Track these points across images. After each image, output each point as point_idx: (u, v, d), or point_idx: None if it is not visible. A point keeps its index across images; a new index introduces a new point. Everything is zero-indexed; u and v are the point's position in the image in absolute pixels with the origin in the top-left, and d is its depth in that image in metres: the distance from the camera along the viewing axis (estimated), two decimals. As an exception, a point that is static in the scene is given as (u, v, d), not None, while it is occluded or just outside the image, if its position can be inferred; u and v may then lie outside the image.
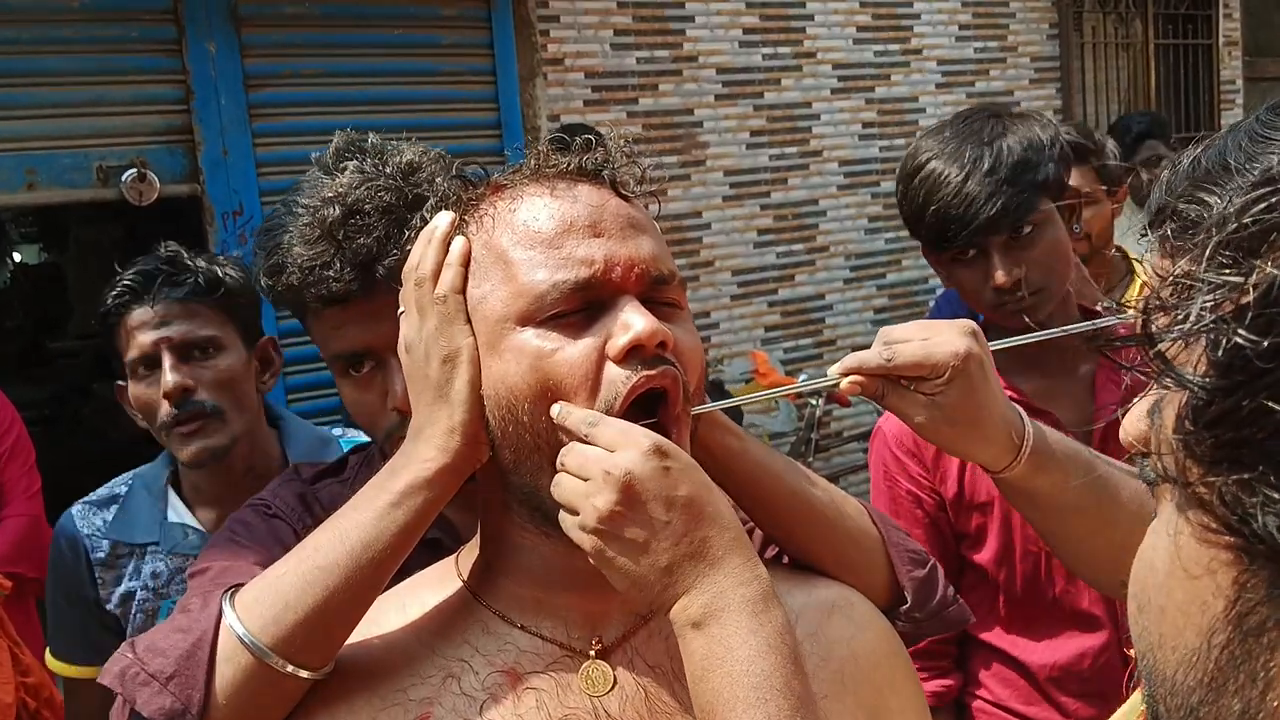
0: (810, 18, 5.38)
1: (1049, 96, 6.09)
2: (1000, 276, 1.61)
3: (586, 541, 0.84)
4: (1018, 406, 1.12)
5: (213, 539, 1.25)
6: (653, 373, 0.87)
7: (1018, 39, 6.02)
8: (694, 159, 5.13)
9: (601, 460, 0.82)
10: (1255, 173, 0.49)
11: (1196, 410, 0.45)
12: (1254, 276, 0.44)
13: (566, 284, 0.87)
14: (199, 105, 3.80)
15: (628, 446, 0.82)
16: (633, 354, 0.87)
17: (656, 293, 0.91)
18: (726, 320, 5.31)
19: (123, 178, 3.68)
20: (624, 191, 0.95)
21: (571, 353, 0.87)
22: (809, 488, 1.06)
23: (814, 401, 5.05)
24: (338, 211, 1.18)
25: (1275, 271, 0.44)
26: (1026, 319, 1.61)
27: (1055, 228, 1.65)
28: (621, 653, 0.93)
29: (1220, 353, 0.44)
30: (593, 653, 0.92)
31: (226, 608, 0.92)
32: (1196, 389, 0.45)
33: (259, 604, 0.90)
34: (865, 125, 5.58)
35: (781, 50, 5.31)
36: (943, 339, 1.04)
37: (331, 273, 1.18)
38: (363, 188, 1.20)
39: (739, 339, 5.33)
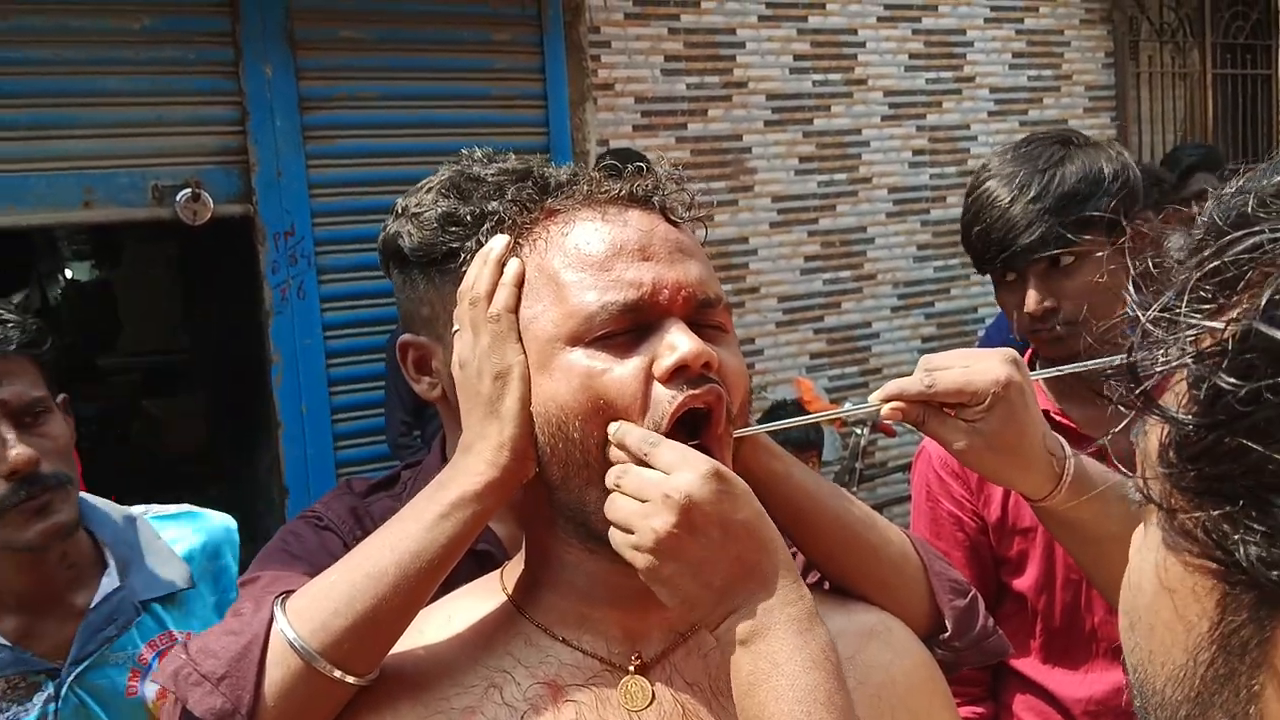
0: (862, 44, 5.36)
1: (1104, 126, 6.01)
2: (1030, 303, 1.62)
3: (640, 560, 0.85)
4: (1059, 436, 1.13)
5: (264, 550, 1.27)
6: (697, 391, 0.89)
7: (1072, 67, 5.96)
8: (742, 185, 5.11)
9: (661, 484, 0.84)
10: (1233, 214, 0.51)
11: (1180, 444, 0.47)
12: (1233, 312, 0.47)
13: (615, 305, 0.90)
14: (254, 126, 3.85)
15: (686, 469, 0.84)
16: (678, 374, 0.89)
17: (702, 316, 0.94)
18: (772, 347, 5.27)
19: (177, 197, 3.73)
20: (672, 217, 0.98)
21: (620, 372, 0.90)
22: (852, 513, 1.07)
23: (859, 431, 4.99)
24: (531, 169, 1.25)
25: (1254, 323, 0.45)
26: (1047, 348, 1.65)
27: (1100, 263, 1.63)
28: (661, 669, 0.95)
29: (1203, 392, 0.47)
30: (632, 668, 0.94)
31: (278, 612, 0.94)
32: (1181, 425, 0.47)
33: (309, 609, 0.93)
34: (916, 153, 5.54)
35: (832, 77, 5.29)
36: (984, 366, 1.06)
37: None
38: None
39: (784, 366, 5.29)
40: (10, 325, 1.57)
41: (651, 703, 0.92)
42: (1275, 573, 0.45)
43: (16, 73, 3.54)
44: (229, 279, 4.59)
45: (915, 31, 5.50)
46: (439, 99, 4.18)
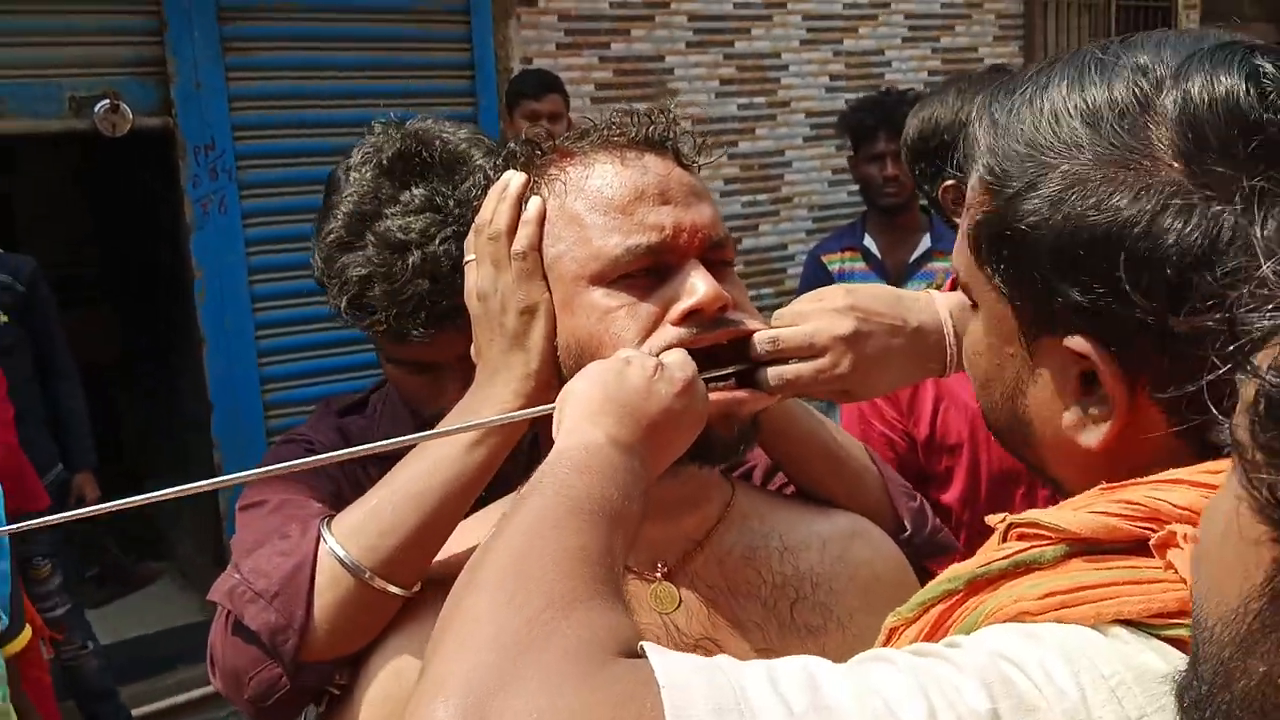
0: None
1: (1012, 54, 6.17)
2: None
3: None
4: (940, 310, 1.09)
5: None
6: (708, 334, 0.97)
7: (983, -5, 6.08)
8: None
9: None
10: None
11: (1270, 402, 0.46)
12: None
13: (639, 248, 0.96)
14: (172, 36, 3.76)
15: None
16: (692, 317, 0.96)
17: (713, 253, 1.00)
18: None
19: (95, 109, 3.64)
20: (684, 161, 1.04)
21: (641, 311, 0.96)
22: (820, 428, 1.18)
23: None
24: (417, 256, 1.16)
25: None
26: None
27: None
28: (683, 575, 1.03)
29: None
30: (659, 575, 1.02)
31: (325, 533, 1.01)
32: (1271, 389, 0.46)
33: (358, 530, 1.00)
34: (833, 77, 5.63)
35: (753, 1, 5.33)
36: (822, 325, 1.03)
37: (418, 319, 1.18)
38: (434, 234, 1.17)
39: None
40: None
41: (679, 605, 1.01)
42: None
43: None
44: (142, 192, 4.50)
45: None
46: (359, 12, 4.11)
